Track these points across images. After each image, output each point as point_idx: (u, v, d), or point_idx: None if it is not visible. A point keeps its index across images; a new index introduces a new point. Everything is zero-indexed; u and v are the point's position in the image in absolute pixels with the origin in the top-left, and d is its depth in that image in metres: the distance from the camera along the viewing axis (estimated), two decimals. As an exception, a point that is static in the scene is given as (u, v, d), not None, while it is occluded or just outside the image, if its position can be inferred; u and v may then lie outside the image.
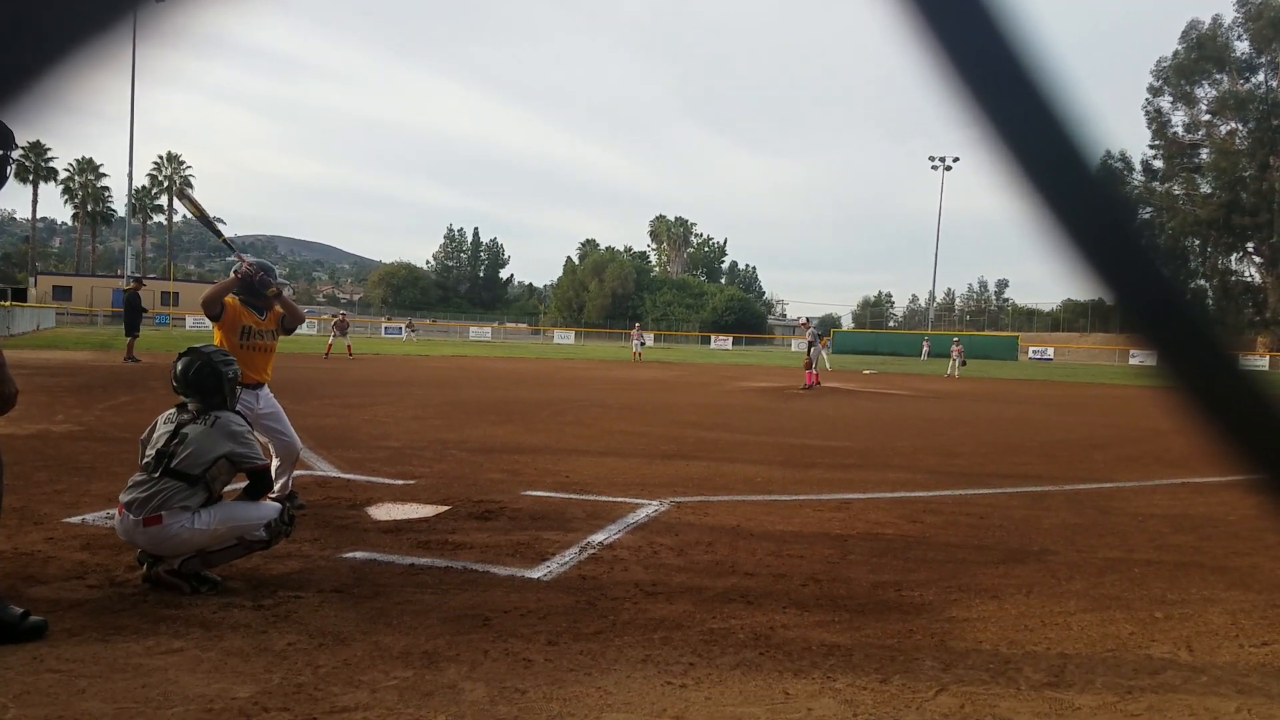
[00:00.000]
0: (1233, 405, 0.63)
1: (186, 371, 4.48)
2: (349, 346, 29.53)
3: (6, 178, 3.57)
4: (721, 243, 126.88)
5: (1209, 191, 65.85)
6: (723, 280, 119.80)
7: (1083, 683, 3.45)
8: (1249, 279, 67.27)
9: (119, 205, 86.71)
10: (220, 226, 6.48)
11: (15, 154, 3.58)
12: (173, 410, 4.47)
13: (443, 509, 6.16)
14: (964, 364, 35.25)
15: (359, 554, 4.92)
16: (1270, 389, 0.62)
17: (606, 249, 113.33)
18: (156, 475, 4.17)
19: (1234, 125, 65.91)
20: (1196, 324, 0.63)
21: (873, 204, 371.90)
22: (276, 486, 5.89)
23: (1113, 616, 4.31)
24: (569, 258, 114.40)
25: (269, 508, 4.47)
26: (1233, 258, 67.11)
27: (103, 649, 3.40)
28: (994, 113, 0.58)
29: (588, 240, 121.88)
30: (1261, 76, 65.48)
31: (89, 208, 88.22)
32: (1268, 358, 54.61)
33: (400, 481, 7.12)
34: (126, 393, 13.40)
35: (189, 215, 6.41)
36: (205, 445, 4.24)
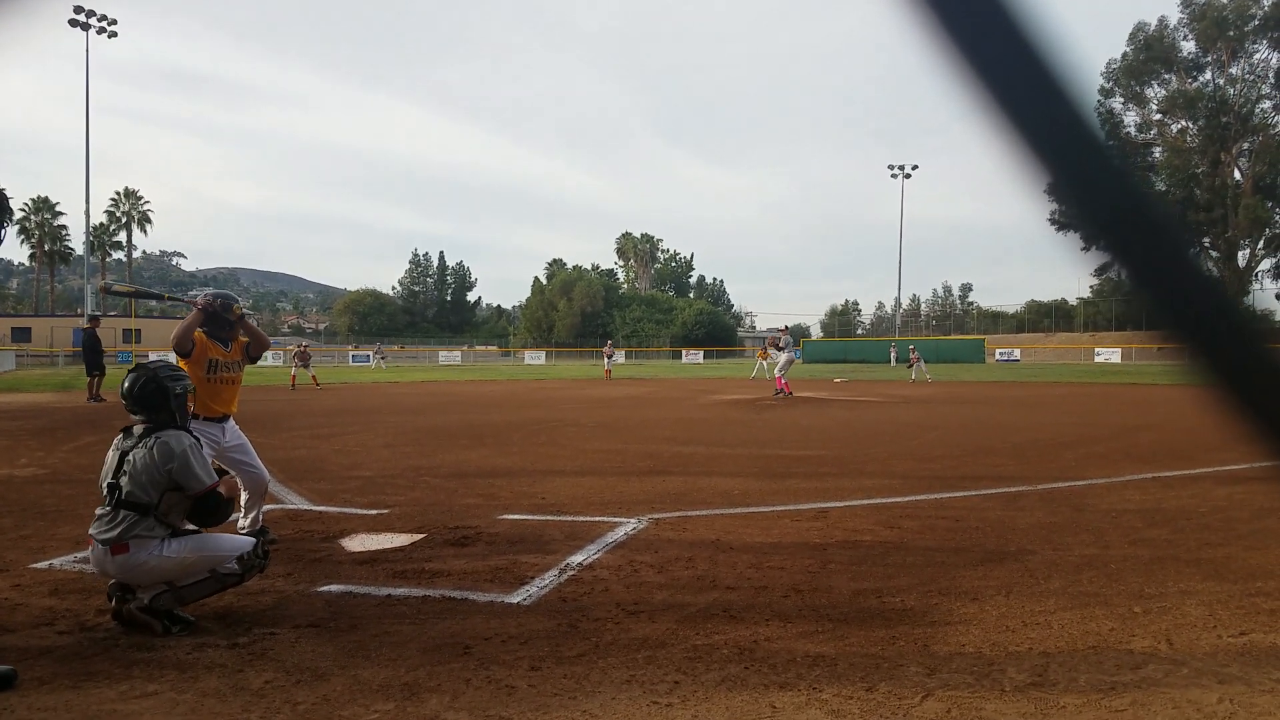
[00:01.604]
0: (1267, 394, 0.63)
1: (133, 388, 4.38)
2: (314, 376, 29.18)
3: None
4: (689, 257, 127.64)
5: (1164, 189, 67.21)
6: (691, 295, 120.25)
7: (1066, 681, 3.46)
8: (1207, 274, 68.57)
9: (77, 244, 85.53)
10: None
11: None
12: (120, 435, 4.38)
13: (418, 537, 6.09)
14: (911, 366, 35.16)
15: (334, 587, 4.84)
16: None
17: (574, 268, 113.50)
18: (111, 507, 4.11)
19: (1184, 124, 67.50)
20: (1231, 315, 0.62)
21: (838, 213, 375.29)
22: (246, 521, 5.81)
23: (1092, 613, 4.34)
24: (537, 278, 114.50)
25: (243, 540, 4.38)
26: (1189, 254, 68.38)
27: (75, 696, 3.31)
28: (1010, 97, 0.57)
29: (555, 259, 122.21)
30: (1208, 75, 67.19)
31: (46, 247, 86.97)
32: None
33: (373, 511, 7.03)
34: (91, 433, 13.16)
35: (128, 297, 6.28)
36: (149, 474, 4.14)
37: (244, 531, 5.66)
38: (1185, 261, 0.62)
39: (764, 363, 38.56)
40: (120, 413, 4.46)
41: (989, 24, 0.57)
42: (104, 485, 4.20)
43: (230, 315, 5.84)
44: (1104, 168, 0.59)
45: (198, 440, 4.47)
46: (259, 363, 6.37)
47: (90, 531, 4.14)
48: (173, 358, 5.58)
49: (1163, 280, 0.62)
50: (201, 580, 4.18)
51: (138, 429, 4.33)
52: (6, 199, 3.83)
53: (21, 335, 68.18)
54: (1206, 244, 68.05)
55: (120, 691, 3.36)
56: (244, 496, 5.84)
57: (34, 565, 5.28)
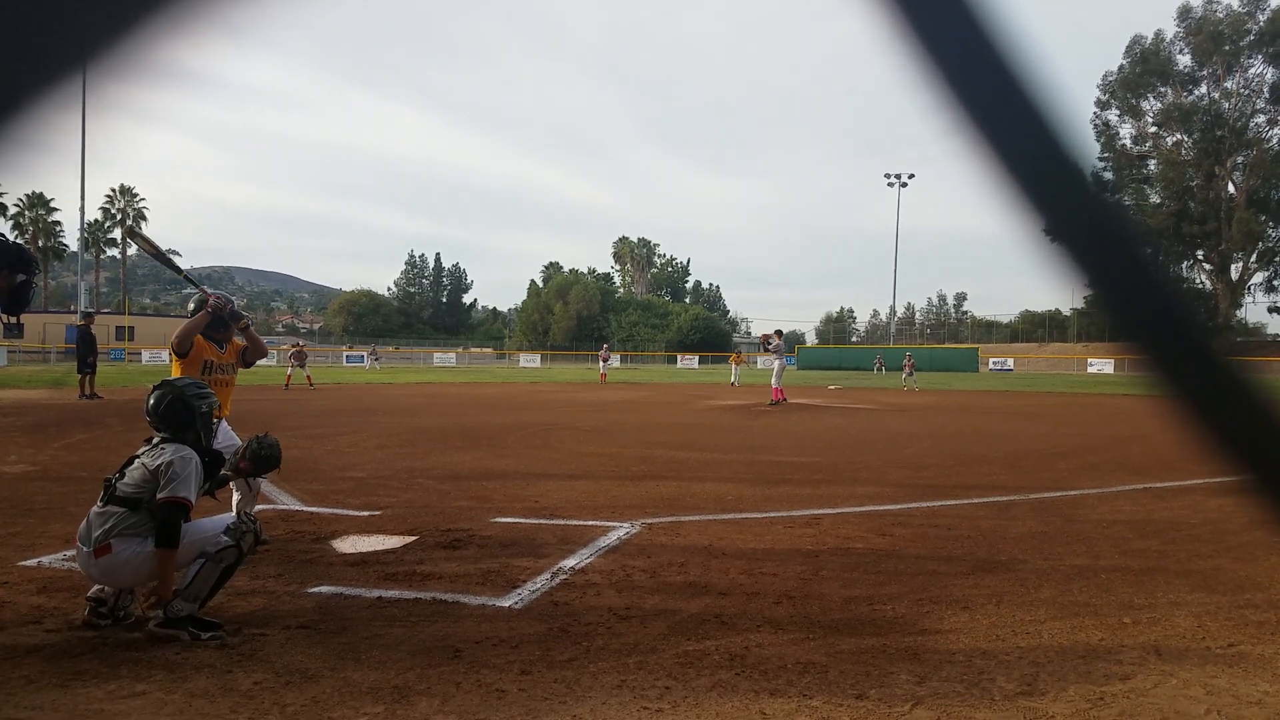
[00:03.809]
0: (1227, 409, 0.63)
1: (158, 406, 4.32)
2: (309, 376, 29.15)
3: (30, 300, 4.10)
4: (685, 263, 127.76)
5: (1158, 201, 67.54)
6: (687, 300, 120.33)
7: (1055, 691, 3.47)
8: (1200, 286, 68.97)
9: (71, 240, 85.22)
10: (175, 260, 6.36)
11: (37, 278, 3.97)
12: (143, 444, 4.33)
13: (410, 539, 6.08)
14: (909, 375, 35.64)
15: (325, 588, 4.83)
16: (1265, 392, 0.62)
17: (570, 271, 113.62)
18: (103, 505, 4.06)
19: (1180, 136, 67.81)
20: (1191, 329, 0.63)
21: (834, 221, 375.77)
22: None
23: (1082, 623, 4.35)
24: (533, 281, 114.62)
25: (221, 518, 4.27)
26: (1183, 266, 68.78)
27: (62, 695, 3.30)
28: (981, 116, 0.57)
29: (551, 263, 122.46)
30: (1204, 89, 67.53)
31: (40, 243, 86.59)
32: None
33: (365, 513, 7.02)
34: (83, 430, 13.11)
35: (145, 252, 6.27)
36: (144, 474, 4.09)
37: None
38: (1146, 273, 0.62)
39: (737, 368, 38.43)
40: (111, 408, 4.44)
41: (964, 42, 0.57)
42: (103, 481, 4.17)
43: (238, 324, 5.88)
44: (1069, 182, 0.60)
45: (203, 464, 4.32)
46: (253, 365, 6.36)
47: (78, 530, 4.09)
48: (166, 355, 5.57)
49: (1123, 291, 0.63)
50: (200, 569, 4.03)
51: (155, 439, 4.28)
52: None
53: (12, 331, 67.86)
54: (1200, 256, 68.38)
55: (108, 691, 3.34)
56: (235, 497, 5.83)
57: (22, 563, 5.25)
